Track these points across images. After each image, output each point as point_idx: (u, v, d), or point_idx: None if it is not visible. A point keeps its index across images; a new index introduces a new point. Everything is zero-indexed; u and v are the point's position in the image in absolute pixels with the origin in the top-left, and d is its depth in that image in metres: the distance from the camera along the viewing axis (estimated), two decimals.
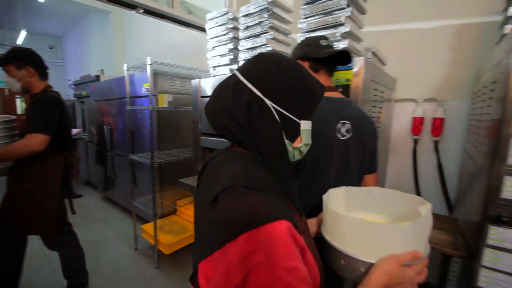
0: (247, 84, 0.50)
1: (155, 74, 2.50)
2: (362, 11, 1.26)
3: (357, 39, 1.27)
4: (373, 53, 1.37)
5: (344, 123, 0.88)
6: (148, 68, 2.00)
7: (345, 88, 1.09)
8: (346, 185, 0.74)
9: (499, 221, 0.80)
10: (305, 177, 0.86)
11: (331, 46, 0.95)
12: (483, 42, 1.46)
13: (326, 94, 0.87)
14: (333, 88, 0.96)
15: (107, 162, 3.39)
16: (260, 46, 1.48)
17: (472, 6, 1.49)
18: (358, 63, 1.05)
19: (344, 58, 0.90)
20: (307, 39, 0.96)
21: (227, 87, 0.52)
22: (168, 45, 3.66)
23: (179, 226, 2.54)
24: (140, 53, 4.32)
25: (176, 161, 2.37)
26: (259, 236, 0.38)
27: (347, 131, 0.88)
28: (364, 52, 1.34)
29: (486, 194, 0.83)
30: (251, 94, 0.49)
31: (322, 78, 0.93)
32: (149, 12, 2.06)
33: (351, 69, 1.07)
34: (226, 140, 0.56)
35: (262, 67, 0.51)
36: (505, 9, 1.13)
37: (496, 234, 0.82)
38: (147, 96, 2.37)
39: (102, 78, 3.83)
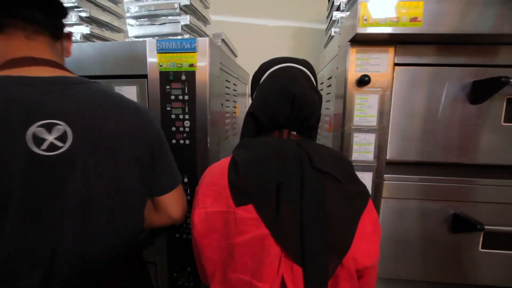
0: (314, 82, 0.62)
1: None
2: None
3: (202, 19, 1.06)
4: (223, 41, 1.21)
5: (52, 124, 0.49)
6: None
7: (190, 76, 0.85)
8: (98, 230, 0.54)
9: None
10: None
11: None
12: (314, 44, 1.64)
13: (22, 71, 0.51)
14: (39, 61, 0.54)
15: None
16: None
17: (304, 13, 1.64)
18: (202, 45, 0.83)
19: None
20: None
21: (303, 79, 0.58)
22: None
23: None
24: None
25: None
26: None
27: (60, 137, 0.49)
28: (213, 38, 1.15)
29: None
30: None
31: (14, 42, 0.52)
32: None
33: (195, 51, 0.84)
34: None
35: (314, 71, 0.64)
36: (329, 15, 1.24)
37: None
38: None
39: None
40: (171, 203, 0.69)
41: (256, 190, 0.48)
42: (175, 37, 0.95)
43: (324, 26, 1.49)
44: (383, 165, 0.73)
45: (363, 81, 0.68)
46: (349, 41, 0.69)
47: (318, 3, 1.56)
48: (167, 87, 0.86)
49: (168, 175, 0.69)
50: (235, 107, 1.29)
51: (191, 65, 0.84)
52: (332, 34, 1.11)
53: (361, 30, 0.62)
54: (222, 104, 1.03)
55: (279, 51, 1.70)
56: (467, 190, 0.73)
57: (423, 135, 0.73)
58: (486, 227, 0.67)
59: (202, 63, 0.84)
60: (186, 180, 0.90)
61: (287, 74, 0.58)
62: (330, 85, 0.94)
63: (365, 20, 0.62)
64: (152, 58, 0.86)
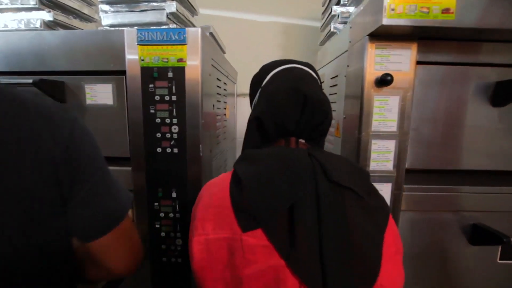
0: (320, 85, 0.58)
1: None
2: None
3: (190, 8, 0.93)
4: (212, 35, 1.08)
5: None
6: None
7: (179, 73, 0.72)
8: None
9: None
10: None
11: None
12: (306, 42, 1.56)
13: None
14: None
15: None
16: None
17: (295, 8, 1.55)
18: (192, 36, 0.71)
19: None
20: None
21: (312, 80, 0.53)
22: None
23: None
24: None
25: None
26: None
27: None
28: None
29: None
30: None
31: None
32: None
33: (184, 43, 0.71)
34: None
35: (318, 74, 0.58)
36: (326, 10, 1.16)
37: None
38: None
39: None
40: (108, 252, 0.45)
41: (266, 212, 0.41)
42: (159, 27, 0.82)
43: (317, 23, 1.42)
44: (403, 175, 0.65)
45: (385, 81, 0.60)
46: (367, 35, 0.61)
47: None
48: (151, 85, 0.72)
49: (99, 209, 0.43)
50: (225, 108, 1.17)
51: (180, 60, 0.71)
52: (332, 30, 1.03)
53: (388, 21, 0.54)
54: (213, 106, 0.91)
55: (268, 48, 1.60)
56: (490, 198, 0.68)
57: (445, 140, 0.66)
58: None
59: (193, 58, 0.71)
60: (174, 195, 0.77)
61: (294, 74, 0.53)
62: (335, 85, 0.85)
63: (392, 10, 0.53)
64: (132, 51, 0.72)
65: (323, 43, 1.21)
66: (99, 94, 0.75)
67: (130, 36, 0.71)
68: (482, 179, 0.69)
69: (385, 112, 0.63)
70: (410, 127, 0.65)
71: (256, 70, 0.67)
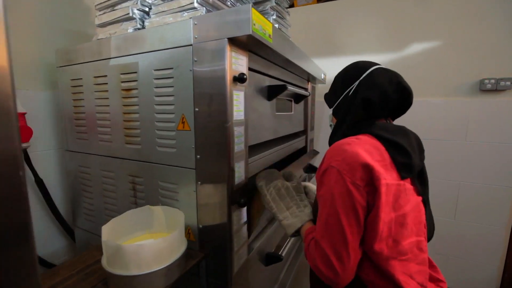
0: None
1: None
2: None
3: None
4: None
5: None
6: None
7: None
8: None
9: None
10: None
11: None
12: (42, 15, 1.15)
13: None
14: None
15: None
16: None
17: None
18: None
19: None
20: None
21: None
22: None
23: None
24: None
25: None
26: None
27: None
28: None
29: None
30: None
31: None
32: None
33: None
34: None
35: None
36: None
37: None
38: None
39: None
40: None
41: (414, 167, 0.64)
42: None
43: None
44: (247, 152, 0.87)
45: (242, 79, 0.73)
46: (228, 38, 0.71)
47: None
48: None
49: None
50: None
51: None
52: (133, 15, 0.92)
53: (252, 33, 0.69)
54: None
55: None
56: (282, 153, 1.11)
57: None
58: None
59: None
60: None
61: (392, 72, 0.71)
62: (170, 77, 0.82)
63: (254, 24, 0.69)
64: None
65: (104, 25, 1.01)
66: None
67: None
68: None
69: (238, 104, 0.79)
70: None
71: None
